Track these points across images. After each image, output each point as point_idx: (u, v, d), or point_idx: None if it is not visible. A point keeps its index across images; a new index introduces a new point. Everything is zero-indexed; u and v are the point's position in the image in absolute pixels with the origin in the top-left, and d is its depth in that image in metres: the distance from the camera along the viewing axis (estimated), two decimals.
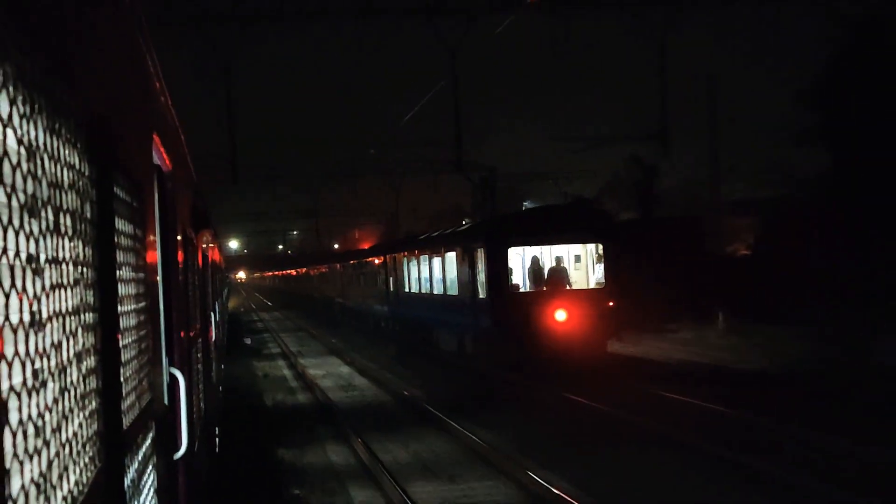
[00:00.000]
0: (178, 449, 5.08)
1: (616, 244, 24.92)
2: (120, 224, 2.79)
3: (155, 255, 4.28)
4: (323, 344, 39.01)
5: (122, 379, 2.66)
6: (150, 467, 3.52)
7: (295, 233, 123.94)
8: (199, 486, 7.03)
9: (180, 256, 5.98)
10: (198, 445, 6.78)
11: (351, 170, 57.53)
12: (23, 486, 1.46)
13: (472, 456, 14.72)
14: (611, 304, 23.77)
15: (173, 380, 5.09)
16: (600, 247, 24.92)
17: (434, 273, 30.83)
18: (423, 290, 32.27)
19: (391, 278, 37.10)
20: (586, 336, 23.25)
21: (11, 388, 1.42)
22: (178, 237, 5.92)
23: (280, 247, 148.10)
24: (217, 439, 12.12)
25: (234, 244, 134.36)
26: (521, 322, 23.21)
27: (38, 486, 1.56)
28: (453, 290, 28.07)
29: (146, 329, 3.54)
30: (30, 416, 1.53)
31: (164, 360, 4.80)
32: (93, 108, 2.39)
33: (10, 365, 1.42)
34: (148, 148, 4.25)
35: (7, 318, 1.41)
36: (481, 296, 24.94)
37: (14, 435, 1.42)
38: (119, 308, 2.65)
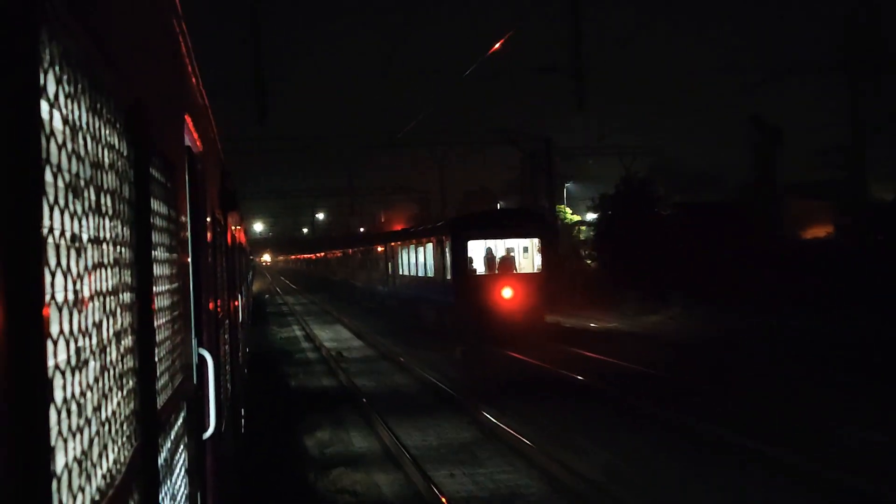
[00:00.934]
0: (206, 429, 5.11)
1: (551, 240, 33.61)
2: (155, 205, 2.80)
3: (186, 236, 4.30)
4: (337, 320, 45.02)
5: (156, 359, 2.68)
6: (182, 447, 3.55)
7: (321, 216, 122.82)
8: (226, 467, 7.08)
9: (209, 238, 6.01)
10: (224, 426, 6.83)
11: (389, 140, 53.71)
12: (66, 464, 1.47)
13: (439, 393, 20.22)
14: (545, 284, 30.90)
15: (202, 360, 5.12)
16: (538, 241, 31.72)
17: (419, 260, 37.23)
18: (412, 273, 38.80)
19: (390, 263, 43.92)
20: (526, 308, 29.78)
21: (56, 366, 1.43)
22: (208, 219, 5.94)
23: (305, 230, 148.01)
24: (243, 420, 12.20)
25: (259, 226, 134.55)
26: (476, 297, 29.90)
27: (80, 463, 1.57)
28: (430, 273, 34.66)
29: (178, 310, 3.56)
30: (73, 395, 1.54)
31: (194, 340, 4.82)
32: (131, 88, 2.39)
33: (55, 343, 1.43)
34: (180, 129, 4.26)
35: (53, 296, 1.42)
36: (448, 277, 31.51)
37: (59, 412, 1.43)
38: (154, 288, 2.67)
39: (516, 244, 32.62)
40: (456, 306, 30.69)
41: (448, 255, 31.32)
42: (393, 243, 43.64)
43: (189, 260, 4.52)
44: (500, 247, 32.34)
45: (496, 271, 31.35)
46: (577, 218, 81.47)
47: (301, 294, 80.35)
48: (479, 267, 31.85)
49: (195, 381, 4.82)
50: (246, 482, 11.06)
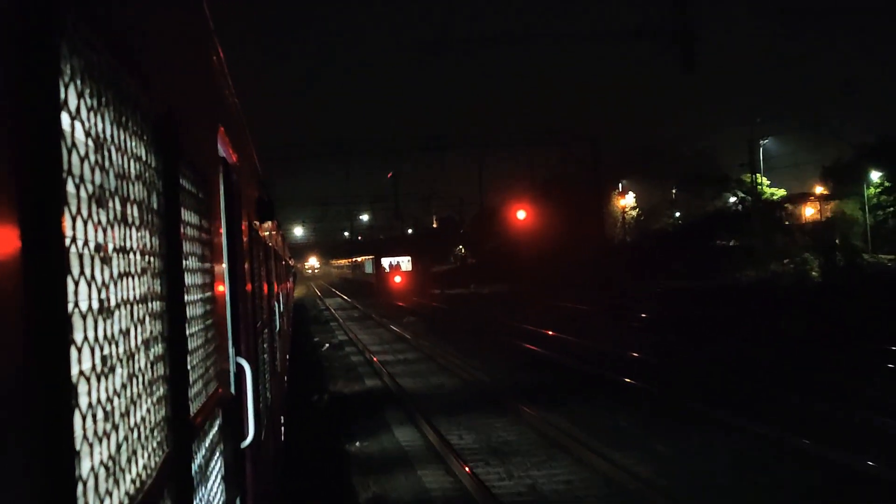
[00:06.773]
0: (245, 437, 5.15)
1: (415, 257, 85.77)
2: (186, 215, 2.84)
3: (221, 246, 4.34)
4: (339, 297, 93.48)
5: (189, 367, 2.71)
6: (218, 454, 3.58)
7: (365, 217, 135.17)
8: (267, 475, 7.13)
9: (245, 247, 6.06)
10: (264, 434, 6.87)
11: (433, 143, 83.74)
12: (92, 468, 1.50)
13: (356, 307, 71.20)
14: (413, 276, 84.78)
15: (240, 369, 5.16)
16: (409, 258, 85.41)
17: (367, 266, 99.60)
18: (366, 272, 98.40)
19: (361, 268, 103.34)
20: (405, 287, 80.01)
21: (81, 373, 1.46)
22: (244, 228, 6.00)
23: (346, 234, 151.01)
24: (283, 428, 12.26)
25: (299, 231, 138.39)
26: (384, 282, 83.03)
27: (107, 468, 1.60)
28: (370, 271, 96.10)
29: (213, 318, 3.60)
30: (99, 401, 1.57)
31: (231, 349, 4.86)
32: (160, 100, 2.43)
33: (79, 350, 1.46)
34: (213, 141, 4.31)
35: (77, 304, 1.45)
36: (374, 273, 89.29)
37: (84, 418, 1.46)
38: (186, 297, 2.70)
39: (401, 259, 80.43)
40: (376, 285, 79.55)
41: (374, 264, 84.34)
42: (361, 258, 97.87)
43: (224, 270, 4.56)
44: (395, 260, 79.87)
45: (393, 269, 79.04)
46: (779, 191, 69.16)
47: (325, 286, 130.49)
48: (387, 268, 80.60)
49: (233, 390, 4.87)
50: (288, 489, 11.10)
